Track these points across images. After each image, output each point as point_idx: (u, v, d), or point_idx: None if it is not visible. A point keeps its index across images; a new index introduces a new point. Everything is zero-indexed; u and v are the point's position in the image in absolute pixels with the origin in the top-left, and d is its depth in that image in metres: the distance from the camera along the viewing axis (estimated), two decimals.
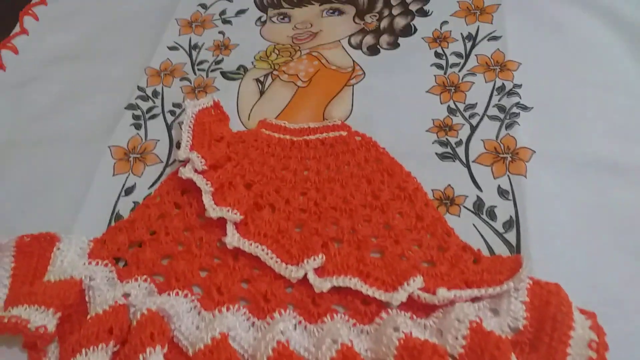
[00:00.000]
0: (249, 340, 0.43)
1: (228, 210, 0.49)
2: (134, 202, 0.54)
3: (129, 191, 0.55)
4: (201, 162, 0.52)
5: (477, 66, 0.62)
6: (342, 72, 0.64)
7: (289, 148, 0.57)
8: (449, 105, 0.59)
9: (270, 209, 0.51)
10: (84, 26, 0.74)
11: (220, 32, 0.71)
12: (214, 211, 0.49)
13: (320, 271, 0.46)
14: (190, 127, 0.56)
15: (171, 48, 0.69)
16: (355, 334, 0.43)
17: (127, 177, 0.56)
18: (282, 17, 0.72)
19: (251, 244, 0.48)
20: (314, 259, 0.46)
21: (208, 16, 0.73)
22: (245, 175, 0.54)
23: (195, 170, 0.52)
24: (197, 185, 0.51)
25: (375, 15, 0.70)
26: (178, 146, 0.56)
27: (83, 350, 0.41)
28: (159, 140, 0.59)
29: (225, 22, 0.72)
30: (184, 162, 0.53)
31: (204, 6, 0.75)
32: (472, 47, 0.64)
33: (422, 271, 0.45)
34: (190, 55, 0.68)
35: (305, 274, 0.45)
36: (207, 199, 0.50)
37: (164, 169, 0.57)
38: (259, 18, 0.72)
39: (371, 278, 0.45)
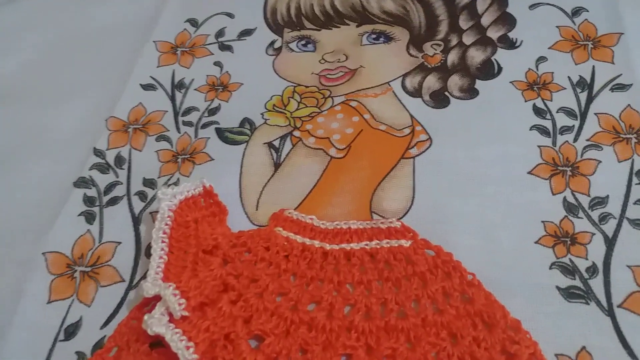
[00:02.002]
0: None
1: None
2: (77, 354, 0.35)
3: (70, 332, 0.37)
4: (179, 304, 0.32)
5: (600, 132, 0.41)
6: (396, 134, 0.43)
7: (320, 264, 0.37)
8: (565, 198, 0.38)
9: None
10: (26, 51, 0.53)
11: (216, 64, 0.50)
12: None
13: None
14: (164, 233, 0.36)
15: (145, 86, 0.49)
16: None
17: (69, 307, 0.37)
18: (303, 42, 0.51)
19: None
20: None
21: (199, 38, 0.52)
22: (252, 318, 0.34)
23: (170, 318, 0.32)
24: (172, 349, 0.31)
25: (439, 44, 0.49)
26: (148, 254, 0.36)
27: None
28: (119, 243, 0.40)
29: (224, 47, 0.51)
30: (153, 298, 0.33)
31: (193, 23, 0.54)
32: (589, 100, 0.43)
33: None
34: (172, 99, 0.48)
35: None
36: None
37: (126, 293, 0.37)
38: (272, 43, 0.51)
39: None
